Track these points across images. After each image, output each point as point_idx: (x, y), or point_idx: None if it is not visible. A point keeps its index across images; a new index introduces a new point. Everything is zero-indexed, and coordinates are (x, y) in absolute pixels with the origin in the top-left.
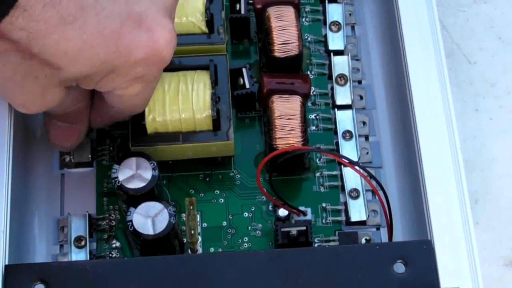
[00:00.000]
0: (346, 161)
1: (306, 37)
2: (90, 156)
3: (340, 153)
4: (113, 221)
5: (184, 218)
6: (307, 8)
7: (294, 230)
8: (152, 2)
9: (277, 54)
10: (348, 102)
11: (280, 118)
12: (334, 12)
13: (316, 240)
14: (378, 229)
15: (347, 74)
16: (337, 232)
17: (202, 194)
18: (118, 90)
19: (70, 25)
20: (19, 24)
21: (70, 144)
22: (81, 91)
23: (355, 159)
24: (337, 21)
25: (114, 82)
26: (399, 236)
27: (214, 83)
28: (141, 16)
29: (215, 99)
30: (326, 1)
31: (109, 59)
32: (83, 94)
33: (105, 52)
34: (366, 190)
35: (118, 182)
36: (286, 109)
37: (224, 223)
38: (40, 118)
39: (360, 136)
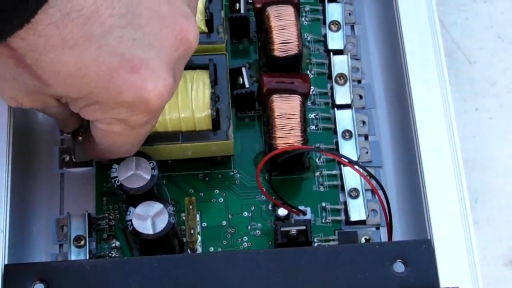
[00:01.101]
0: (346, 160)
1: (305, 37)
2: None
3: (340, 152)
4: (112, 221)
5: (184, 218)
6: (307, 8)
7: (293, 230)
8: (157, 54)
9: (276, 53)
10: (348, 101)
11: (280, 117)
12: (334, 12)
13: (315, 240)
14: (377, 228)
15: (346, 73)
16: (336, 232)
17: (202, 194)
18: (100, 124)
19: (70, 49)
20: (21, 34)
21: (68, 131)
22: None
23: (354, 158)
24: (336, 21)
25: (96, 114)
26: (398, 235)
27: (214, 82)
28: (142, 63)
29: (215, 99)
30: (326, 1)
31: (96, 91)
32: (68, 111)
33: (95, 85)
34: (366, 190)
35: (118, 182)
36: (285, 109)
37: (224, 223)
38: (41, 117)
39: (359, 135)
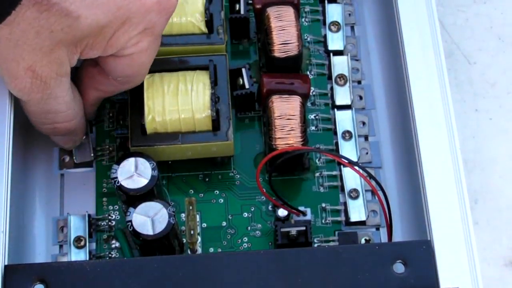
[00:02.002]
0: (346, 161)
1: (305, 37)
2: (92, 155)
3: (340, 153)
4: (112, 221)
5: (184, 218)
6: (307, 8)
7: (293, 230)
8: None
9: (276, 54)
10: (348, 102)
11: (280, 118)
12: (334, 12)
13: (315, 240)
14: (377, 229)
15: (346, 74)
16: (336, 232)
17: (202, 194)
18: (128, 48)
19: None
20: None
21: (66, 147)
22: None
23: (354, 159)
24: (336, 21)
25: (126, 35)
26: (398, 236)
27: (214, 83)
28: None
29: (215, 99)
30: (326, 1)
31: (125, 3)
32: (73, 110)
33: None
34: (366, 190)
35: (118, 182)
36: (285, 109)
37: (224, 223)
38: None
39: (359, 136)
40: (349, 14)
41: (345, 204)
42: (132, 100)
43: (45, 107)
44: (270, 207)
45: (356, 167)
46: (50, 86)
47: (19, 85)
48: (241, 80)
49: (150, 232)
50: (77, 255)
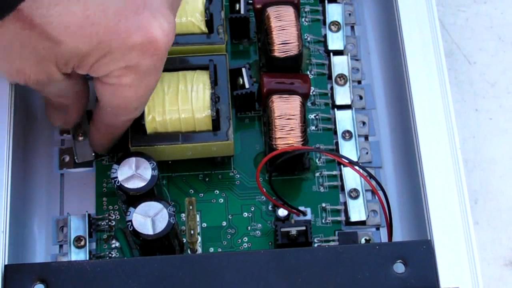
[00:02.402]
0: (346, 161)
1: (305, 37)
2: (93, 154)
3: (340, 153)
4: (112, 221)
5: (184, 218)
6: (307, 8)
7: (293, 230)
8: None
9: (276, 54)
10: (348, 102)
11: (280, 118)
12: (334, 12)
13: (315, 240)
14: (377, 229)
15: (346, 74)
16: (336, 232)
17: (202, 194)
18: (110, 78)
19: None
20: None
21: (55, 125)
22: (68, 87)
23: (354, 159)
24: (336, 21)
25: (108, 67)
26: (398, 236)
27: (214, 83)
28: (145, 3)
29: (215, 99)
30: (326, 1)
31: (107, 39)
32: (68, 92)
33: (105, 31)
34: (366, 190)
35: (118, 182)
36: (285, 109)
37: (224, 223)
38: (41, 118)
39: (359, 136)
40: (349, 14)
41: (345, 204)
42: None
43: (40, 89)
44: (270, 207)
45: (356, 167)
46: (44, 86)
47: (13, 79)
48: (241, 80)
49: (150, 232)
50: (77, 255)
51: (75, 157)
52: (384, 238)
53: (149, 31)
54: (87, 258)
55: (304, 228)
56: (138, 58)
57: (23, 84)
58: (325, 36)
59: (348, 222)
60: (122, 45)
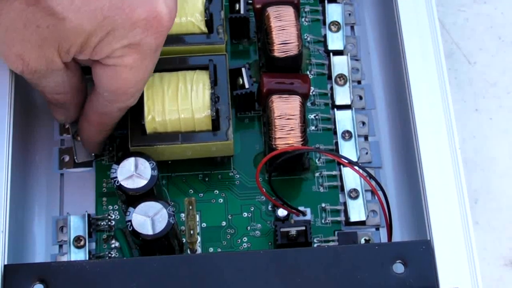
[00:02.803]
0: (346, 161)
1: (305, 37)
2: (93, 154)
3: (340, 153)
4: (112, 221)
5: (184, 218)
6: (307, 8)
7: (293, 230)
8: None
9: (276, 54)
10: (348, 102)
11: (280, 118)
12: (334, 12)
13: (315, 240)
14: (377, 229)
15: (346, 74)
16: (336, 232)
17: (202, 194)
18: (112, 59)
19: None
20: None
21: (57, 120)
22: (65, 80)
23: (354, 159)
24: (336, 21)
25: (111, 46)
26: (398, 236)
27: (214, 83)
28: None
29: (215, 99)
30: (326, 1)
31: (112, 14)
32: (64, 86)
33: (109, 6)
34: (366, 190)
35: (117, 182)
36: (285, 109)
37: (224, 223)
38: (40, 117)
39: (359, 136)
40: (349, 14)
41: (345, 204)
42: None
43: (36, 82)
44: (270, 207)
45: (356, 167)
46: (41, 75)
47: (11, 66)
48: (241, 80)
49: (150, 232)
50: (77, 255)
51: (75, 157)
52: (383, 238)
53: (153, 6)
54: (87, 258)
55: (303, 228)
56: (142, 34)
57: (20, 72)
58: (325, 36)
59: (348, 222)
60: (126, 20)
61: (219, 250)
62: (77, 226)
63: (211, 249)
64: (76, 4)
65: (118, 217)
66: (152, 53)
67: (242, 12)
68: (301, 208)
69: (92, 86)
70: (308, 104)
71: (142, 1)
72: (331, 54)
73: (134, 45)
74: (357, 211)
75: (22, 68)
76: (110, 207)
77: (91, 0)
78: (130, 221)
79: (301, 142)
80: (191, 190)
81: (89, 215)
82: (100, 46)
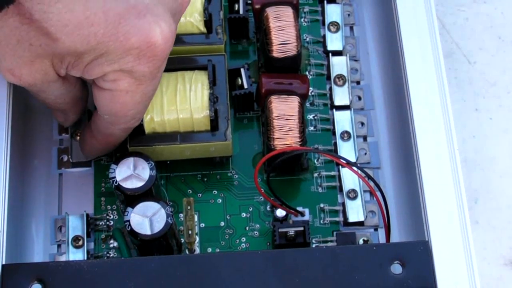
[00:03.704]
0: (344, 162)
1: (304, 38)
2: None
3: (338, 153)
4: (110, 221)
5: (182, 218)
6: (306, 9)
7: (291, 231)
8: (160, 2)
9: (275, 54)
10: (347, 102)
11: (278, 118)
12: (333, 13)
13: (313, 241)
14: (375, 229)
15: (345, 74)
16: (335, 233)
17: (200, 194)
18: (106, 83)
19: None
20: None
21: (59, 121)
22: (65, 92)
23: (353, 159)
24: (335, 22)
25: (102, 68)
26: (396, 237)
27: (212, 83)
28: (147, 8)
29: (213, 99)
30: (325, 2)
31: (105, 40)
32: (64, 97)
33: (104, 33)
34: (364, 191)
35: (116, 182)
36: (284, 110)
37: (222, 223)
38: (39, 118)
39: (358, 136)
40: (348, 15)
41: (343, 204)
42: None
43: (35, 95)
44: (268, 207)
45: (355, 168)
46: (38, 88)
47: (5, 78)
48: (239, 80)
49: (148, 232)
50: (75, 255)
51: (70, 156)
52: (382, 239)
53: (148, 35)
54: (85, 258)
55: (302, 228)
56: (133, 62)
57: (16, 83)
58: (324, 36)
59: (346, 223)
60: (119, 47)
61: (218, 250)
62: (75, 226)
63: (209, 249)
64: (70, 28)
65: (117, 217)
66: (147, 79)
67: (241, 12)
68: (300, 209)
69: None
70: (307, 104)
71: (137, 30)
72: (330, 54)
73: (127, 71)
74: (355, 211)
75: (15, 81)
76: (109, 207)
77: (85, 25)
78: (129, 221)
79: (300, 143)
80: (189, 190)
81: (87, 215)
82: (92, 66)
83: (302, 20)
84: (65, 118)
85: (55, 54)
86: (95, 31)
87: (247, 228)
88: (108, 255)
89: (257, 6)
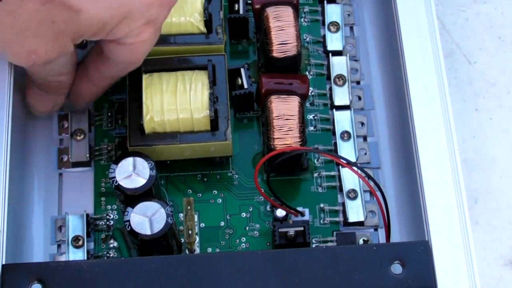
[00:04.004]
0: (344, 161)
1: (304, 38)
2: (88, 155)
3: (338, 153)
4: (110, 221)
5: (182, 218)
6: (306, 9)
7: (291, 231)
8: None
9: (275, 54)
10: (347, 102)
11: (278, 118)
12: (333, 13)
13: (313, 241)
14: (375, 229)
15: (345, 74)
16: (335, 233)
17: (200, 194)
18: (129, 38)
19: None
20: None
21: (42, 112)
22: (69, 60)
23: (353, 159)
24: (335, 22)
25: (127, 28)
26: (396, 237)
27: (212, 83)
28: None
29: (213, 99)
30: (325, 2)
31: (126, 1)
32: (68, 66)
33: None
34: (364, 191)
35: (116, 182)
36: (284, 110)
37: (222, 223)
38: (39, 118)
39: (358, 136)
40: (348, 15)
41: (343, 204)
42: (131, 100)
43: (42, 69)
44: (268, 207)
45: (355, 168)
46: (51, 62)
47: (21, 61)
48: (239, 80)
49: (148, 232)
50: (75, 255)
51: (69, 156)
52: (382, 239)
53: None
54: (85, 258)
55: (302, 228)
56: (157, 11)
57: (29, 66)
58: (324, 36)
59: (346, 223)
60: (142, 3)
61: (218, 250)
62: (75, 225)
63: (209, 249)
64: None
65: (117, 217)
66: (163, 21)
67: (241, 12)
68: (300, 209)
69: (94, 55)
70: (307, 104)
71: None
72: (330, 54)
73: (151, 21)
74: (355, 211)
75: (34, 61)
76: (109, 207)
77: None
78: (129, 221)
79: (300, 143)
80: (189, 190)
81: (87, 215)
82: (118, 28)
83: (302, 20)
84: (55, 101)
85: (78, 28)
86: None
87: (247, 228)
88: (108, 255)
89: (257, 6)
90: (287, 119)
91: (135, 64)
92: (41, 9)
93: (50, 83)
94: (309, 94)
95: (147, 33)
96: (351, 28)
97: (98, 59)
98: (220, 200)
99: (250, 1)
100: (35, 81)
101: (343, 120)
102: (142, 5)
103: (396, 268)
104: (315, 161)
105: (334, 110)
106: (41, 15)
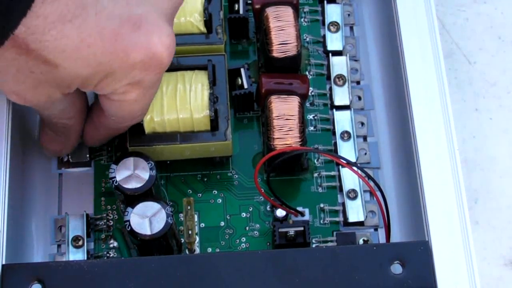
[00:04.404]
0: (344, 162)
1: (304, 38)
2: (88, 156)
3: (338, 153)
4: (110, 221)
5: (182, 218)
6: (306, 9)
7: (291, 231)
8: (152, 7)
9: (275, 54)
10: (347, 102)
11: (278, 118)
12: (333, 13)
13: (313, 241)
14: (375, 230)
15: (345, 74)
16: (335, 233)
17: (200, 194)
18: (116, 95)
19: (69, 22)
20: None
21: (54, 153)
22: (70, 105)
23: (353, 159)
24: (335, 22)
25: (112, 86)
26: (396, 237)
27: (212, 83)
28: (141, 19)
29: (213, 99)
30: (325, 2)
31: (106, 60)
32: (69, 111)
33: (102, 52)
34: (364, 191)
35: (116, 182)
36: (284, 110)
37: (222, 223)
38: (39, 117)
39: (358, 136)
40: (348, 15)
41: (343, 204)
42: None
43: (40, 112)
44: (268, 207)
45: (355, 168)
46: (42, 106)
47: (10, 99)
48: (239, 80)
49: (148, 232)
50: (75, 255)
51: (70, 156)
52: (382, 239)
53: (148, 47)
54: (85, 258)
55: (302, 228)
56: (141, 74)
57: (22, 104)
58: (324, 36)
59: (346, 223)
60: (122, 64)
61: (218, 250)
62: (75, 226)
63: (209, 249)
64: (67, 52)
65: (117, 217)
66: (155, 84)
67: (241, 12)
68: (300, 209)
69: (98, 103)
70: (307, 104)
71: (135, 44)
72: (330, 54)
73: (136, 83)
74: (355, 211)
75: (20, 102)
76: (109, 207)
77: (82, 48)
78: (129, 221)
79: (300, 143)
80: (189, 190)
81: (87, 215)
82: (101, 86)
83: (302, 20)
84: (64, 144)
85: (60, 80)
86: (93, 52)
87: (247, 228)
88: (108, 255)
89: (257, 6)
90: (287, 119)
91: (131, 120)
92: (19, 58)
93: (56, 125)
94: (309, 94)
95: (134, 94)
96: (351, 28)
97: (99, 108)
98: (220, 200)
99: (250, 1)
100: (45, 120)
101: (343, 120)
102: (123, 66)
103: (396, 268)
104: (315, 161)
105: (334, 110)
106: (19, 64)
